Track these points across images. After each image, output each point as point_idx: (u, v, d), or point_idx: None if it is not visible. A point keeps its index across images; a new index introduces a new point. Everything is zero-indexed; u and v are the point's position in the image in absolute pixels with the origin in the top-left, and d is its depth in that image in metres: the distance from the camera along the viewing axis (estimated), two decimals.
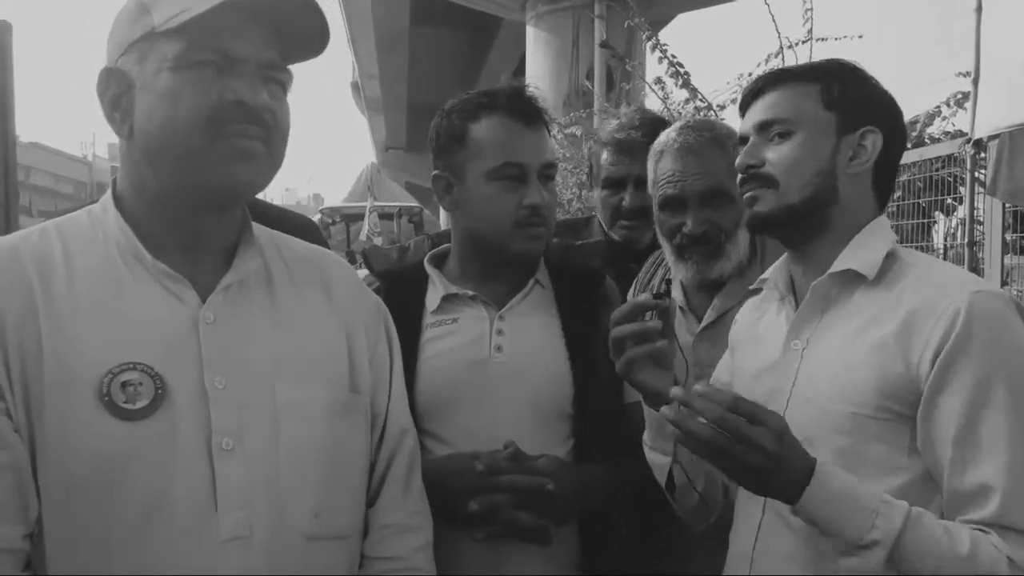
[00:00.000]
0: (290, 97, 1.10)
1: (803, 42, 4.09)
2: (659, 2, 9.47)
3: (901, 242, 1.27)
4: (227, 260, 1.12)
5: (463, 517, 1.35)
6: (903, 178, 4.15)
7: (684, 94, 4.62)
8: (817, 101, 1.22)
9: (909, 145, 4.71)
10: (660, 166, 1.67)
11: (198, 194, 1.06)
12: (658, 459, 1.30)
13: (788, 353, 1.24)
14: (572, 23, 9.88)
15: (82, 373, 0.98)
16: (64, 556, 0.98)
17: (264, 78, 1.05)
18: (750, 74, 4.17)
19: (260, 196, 1.28)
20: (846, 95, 1.23)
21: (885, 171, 1.26)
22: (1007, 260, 3.86)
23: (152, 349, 1.02)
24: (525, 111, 1.47)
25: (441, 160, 1.51)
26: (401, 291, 1.50)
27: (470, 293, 1.50)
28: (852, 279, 1.20)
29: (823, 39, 4.08)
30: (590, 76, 8.98)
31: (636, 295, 1.84)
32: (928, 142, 5.31)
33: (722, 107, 4.48)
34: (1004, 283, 3.79)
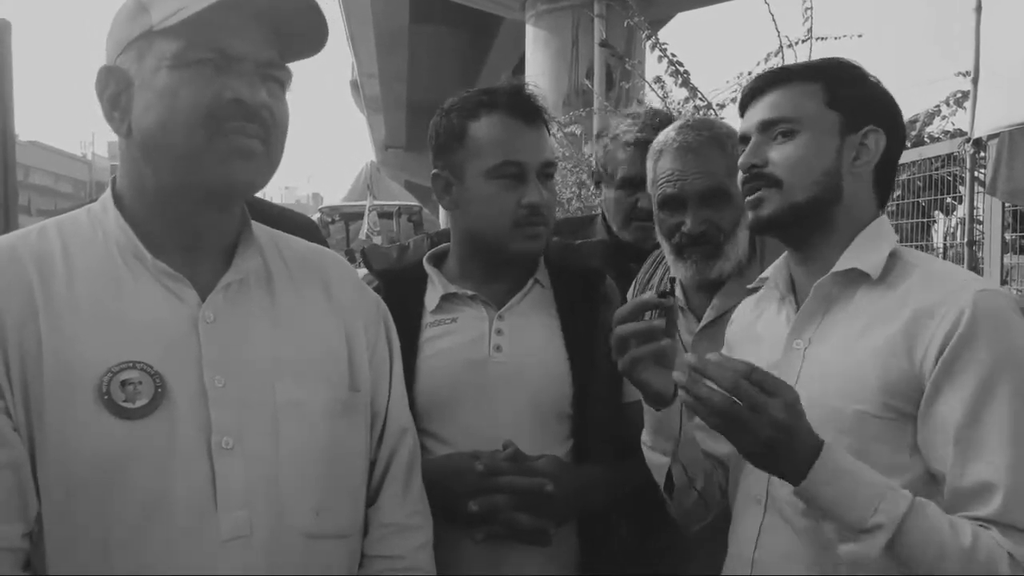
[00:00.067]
0: (289, 96, 1.10)
1: (803, 41, 4.09)
2: (658, 1, 9.48)
3: (901, 241, 1.27)
4: (227, 259, 1.12)
5: (463, 517, 1.35)
6: (903, 177, 4.16)
7: (684, 93, 4.61)
8: (820, 100, 1.22)
9: (909, 144, 4.72)
10: (659, 165, 1.67)
11: (197, 192, 1.06)
12: (657, 459, 1.30)
13: (790, 352, 1.24)
14: (572, 22, 9.88)
15: (82, 372, 0.98)
16: (64, 555, 0.98)
17: (263, 76, 1.05)
18: (750, 73, 4.17)
19: (259, 195, 1.28)
20: (848, 94, 1.23)
21: (886, 170, 1.26)
22: (1007, 259, 3.87)
23: (152, 348, 1.02)
24: (525, 109, 1.46)
25: (440, 159, 1.51)
26: (400, 290, 1.50)
27: (469, 293, 1.50)
28: (855, 278, 1.20)
29: (823, 38, 4.07)
30: (590, 75, 8.98)
31: (636, 295, 1.84)
32: (928, 141, 5.32)
33: (722, 106, 4.48)
34: (1004, 282, 3.79)
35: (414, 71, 18.92)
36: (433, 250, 1.59)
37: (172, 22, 1.00)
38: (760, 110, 1.26)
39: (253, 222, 1.17)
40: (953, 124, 5.54)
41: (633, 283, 1.89)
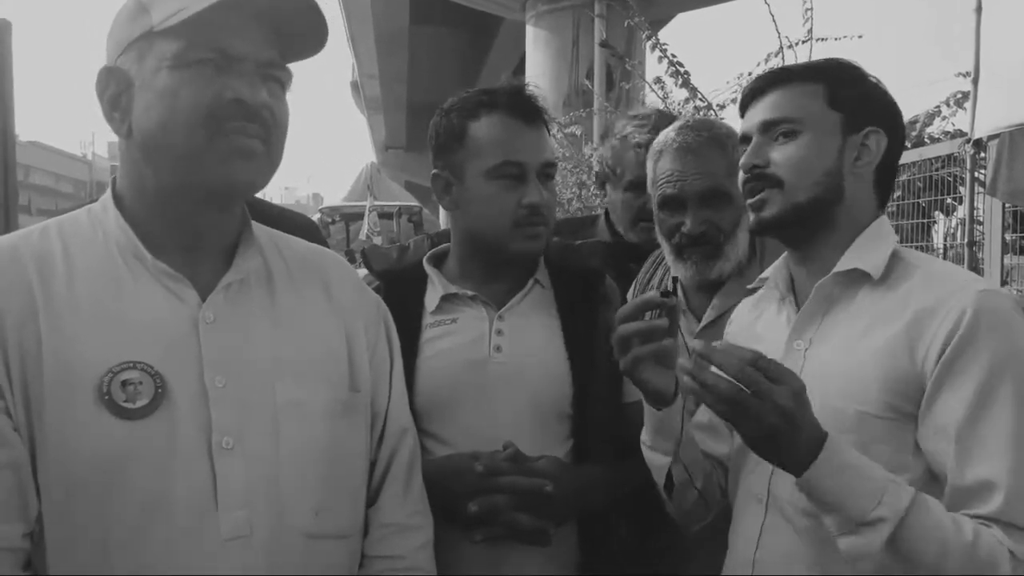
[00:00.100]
0: (290, 96, 1.10)
1: (803, 42, 4.09)
2: (659, 1, 9.48)
3: (901, 242, 1.27)
4: (227, 259, 1.12)
5: (463, 518, 1.35)
6: (903, 178, 4.15)
7: (684, 93, 4.61)
8: (821, 100, 1.22)
9: (909, 145, 4.72)
10: (659, 166, 1.67)
11: (197, 193, 1.06)
12: (657, 459, 1.30)
13: (791, 353, 1.23)
14: (572, 22, 9.89)
15: (82, 372, 0.98)
16: (64, 555, 0.98)
17: (263, 76, 1.05)
18: (750, 74, 4.17)
19: (259, 195, 1.28)
20: (850, 94, 1.23)
21: (886, 171, 1.26)
22: (1007, 260, 3.87)
23: (152, 348, 1.02)
24: (525, 110, 1.46)
25: (440, 159, 1.51)
26: (400, 291, 1.50)
27: (469, 293, 1.50)
28: (856, 279, 1.21)
29: (823, 39, 4.07)
30: (590, 75, 8.99)
31: (636, 295, 1.84)
32: (928, 142, 5.31)
33: (722, 107, 4.47)
34: (1004, 283, 3.79)
35: (414, 72, 18.92)
36: (433, 250, 1.59)
37: (173, 22, 1.00)
38: (761, 110, 1.26)
39: (253, 222, 1.17)
40: (953, 125, 5.55)
41: (633, 283, 1.89)
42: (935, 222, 4.46)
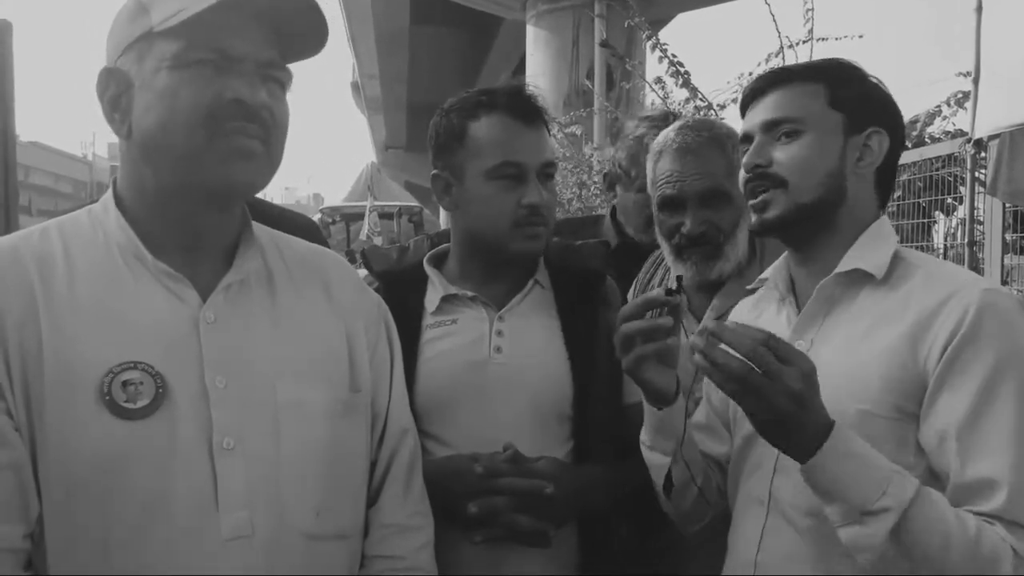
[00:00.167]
0: (290, 96, 1.10)
1: (803, 42, 4.09)
2: (659, 1, 9.48)
3: (901, 242, 1.27)
4: (227, 260, 1.12)
5: (462, 518, 1.35)
6: (903, 178, 4.15)
7: (684, 93, 4.61)
8: (823, 101, 1.22)
9: (910, 145, 4.71)
10: (659, 166, 1.67)
11: (197, 193, 1.06)
12: (656, 459, 1.30)
13: None
14: (572, 23, 9.89)
15: (83, 372, 0.98)
16: (65, 556, 0.98)
17: (263, 77, 1.05)
18: (750, 74, 4.16)
19: (260, 195, 1.28)
20: (851, 95, 1.23)
21: (887, 172, 1.26)
22: (1007, 260, 3.86)
23: (153, 348, 1.02)
24: (524, 110, 1.46)
25: (440, 159, 1.51)
26: (400, 291, 1.50)
27: (469, 294, 1.50)
28: (857, 279, 1.21)
29: (823, 39, 4.07)
30: (590, 75, 8.99)
31: (636, 295, 1.84)
32: (928, 142, 5.31)
33: (722, 107, 4.47)
34: (1004, 283, 3.79)
35: (415, 72, 18.92)
36: (433, 251, 1.59)
37: (172, 23, 1.00)
38: (763, 110, 1.25)
39: (254, 223, 1.17)
40: (954, 124, 5.54)
41: (633, 283, 1.89)
42: (935, 222, 4.46)
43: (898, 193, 4.18)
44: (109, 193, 1.12)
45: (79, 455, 0.97)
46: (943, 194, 4.20)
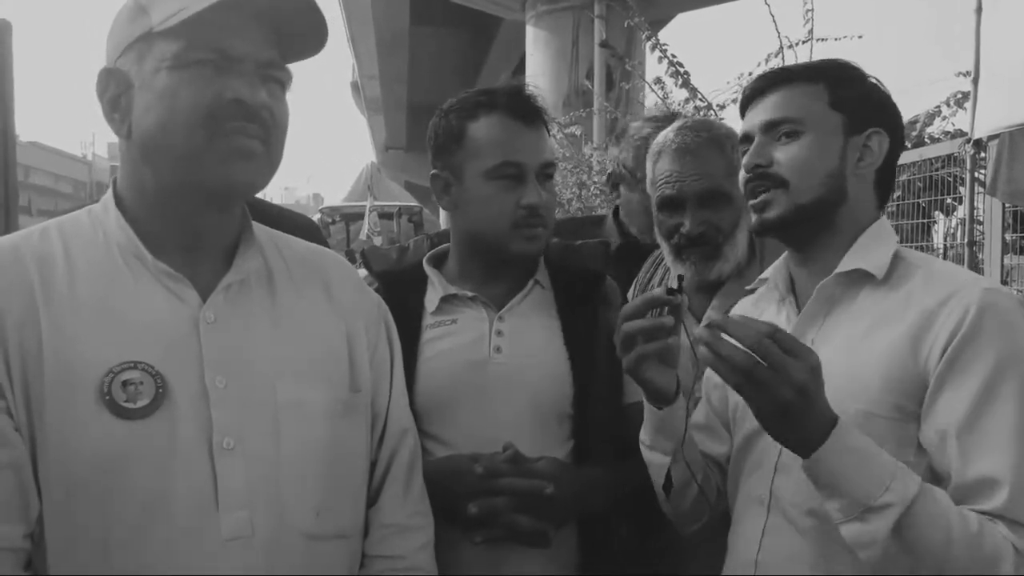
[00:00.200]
0: (290, 97, 1.10)
1: (803, 42, 4.09)
2: (659, 2, 9.48)
3: (901, 242, 1.27)
4: (227, 259, 1.12)
5: (463, 519, 1.35)
6: (903, 178, 4.15)
7: (684, 94, 4.61)
8: (823, 101, 1.23)
9: (909, 145, 4.71)
10: (658, 166, 1.67)
11: (197, 193, 1.06)
12: (656, 459, 1.30)
13: None
14: (572, 23, 9.88)
15: (83, 372, 0.98)
16: (65, 555, 0.98)
17: (263, 77, 1.05)
18: (750, 74, 4.17)
19: (259, 195, 1.28)
20: (851, 95, 1.23)
21: (886, 172, 1.26)
22: (1007, 260, 3.86)
23: (153, 348, 1.02)
24: (524, 110, 1.46)
25: (440, 159, 1.51)
26: (400, 292, 1.50)
27: (469, 294, 1.50)
28: (858, 279, 1.21)
29: (823, 39, 4.07)
30: (590, 76, 8.99)
31: (636, 295, 1.84)
32: (928, 142, 5.31)
33: (722, 107, 4.48)
34: (1004, 283, 3.78)
35: (414, 72, 18.92)
36: (433, 251, 1.59)
37: (172, 23, 1.00)
38: (763, 110, 1.26)
39: (254, 222, 1.17)
40: (953, 125, 5.54)
41: (633, 283, 1.89)
42: (935, 222, 4.46)
43: (898, 193, 4.18)
44: (109, 193, 1.12)
45: (79, 455, 0.97)
46: (943, 194, 4.20)
